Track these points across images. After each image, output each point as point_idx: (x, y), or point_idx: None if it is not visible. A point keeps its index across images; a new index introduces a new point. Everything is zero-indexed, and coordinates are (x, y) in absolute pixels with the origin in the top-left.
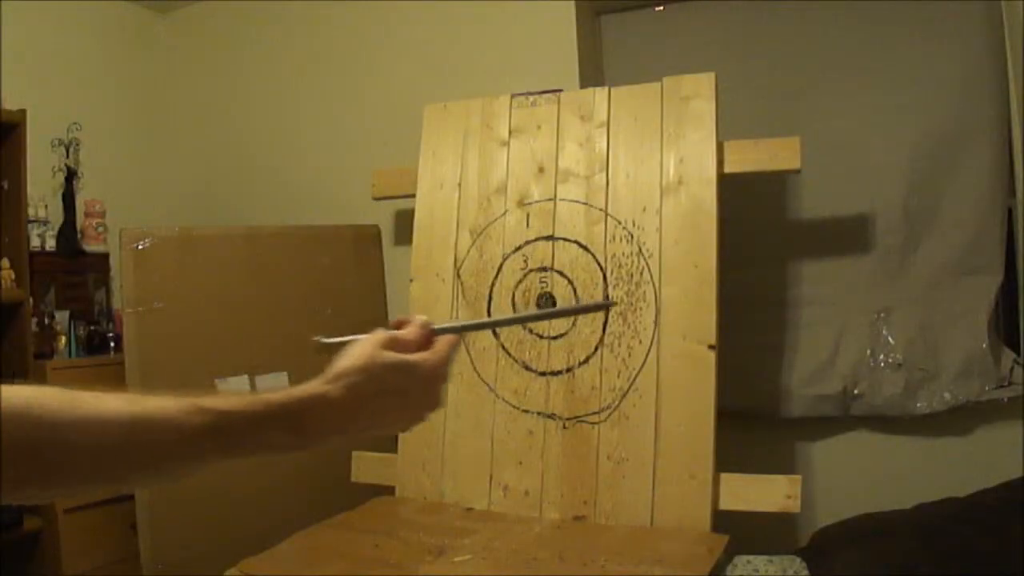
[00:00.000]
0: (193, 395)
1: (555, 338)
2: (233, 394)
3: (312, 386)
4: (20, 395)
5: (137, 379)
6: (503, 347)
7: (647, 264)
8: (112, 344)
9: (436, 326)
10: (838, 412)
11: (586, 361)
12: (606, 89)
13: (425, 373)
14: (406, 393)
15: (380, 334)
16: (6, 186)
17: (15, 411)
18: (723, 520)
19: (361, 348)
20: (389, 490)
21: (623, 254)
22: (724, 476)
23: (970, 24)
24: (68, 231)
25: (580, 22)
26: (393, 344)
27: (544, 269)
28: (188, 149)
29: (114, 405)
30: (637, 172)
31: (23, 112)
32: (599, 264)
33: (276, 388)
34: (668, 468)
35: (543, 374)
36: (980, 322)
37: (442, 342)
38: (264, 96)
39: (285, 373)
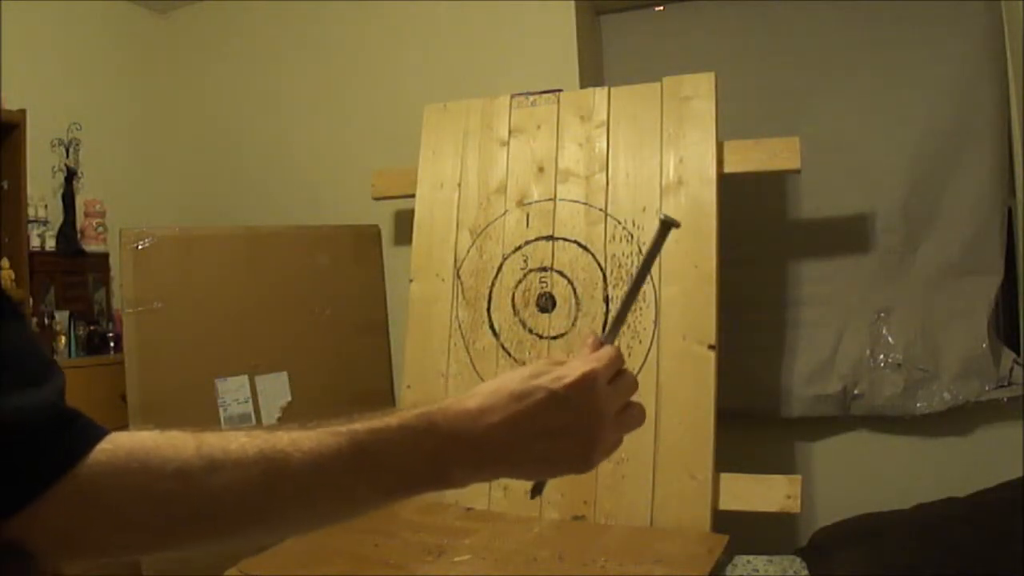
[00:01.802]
0: (321, 424)
1: (555, 338)
2: (360, 416)
3: (439, 402)
4: (147, 437)
5: (137, 379)
6: (503, 347)
7: None
8: (112, 344)
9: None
10: (838, 412)
11: None
12: (606, 89)
13: (573, 384)
14: (557, 409)
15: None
16: (6, 186)
17: (143, 458)
18: (723, 520)
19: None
20: None
21: (623, 254)
22: (724, 476)
23: (970, 24)
24: (68, 231)
25: (580, 22)
26: (551, 366)
27: (544, 269)
28: (188, 149)
29: (240, 439)
30: (637, 172)
31: (23, 112)
32: (599, 264)
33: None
34: (668, 468)
35: None
36: (980, 322)
37: (602, 351)
38: (264, 96)
39: (285, 373)
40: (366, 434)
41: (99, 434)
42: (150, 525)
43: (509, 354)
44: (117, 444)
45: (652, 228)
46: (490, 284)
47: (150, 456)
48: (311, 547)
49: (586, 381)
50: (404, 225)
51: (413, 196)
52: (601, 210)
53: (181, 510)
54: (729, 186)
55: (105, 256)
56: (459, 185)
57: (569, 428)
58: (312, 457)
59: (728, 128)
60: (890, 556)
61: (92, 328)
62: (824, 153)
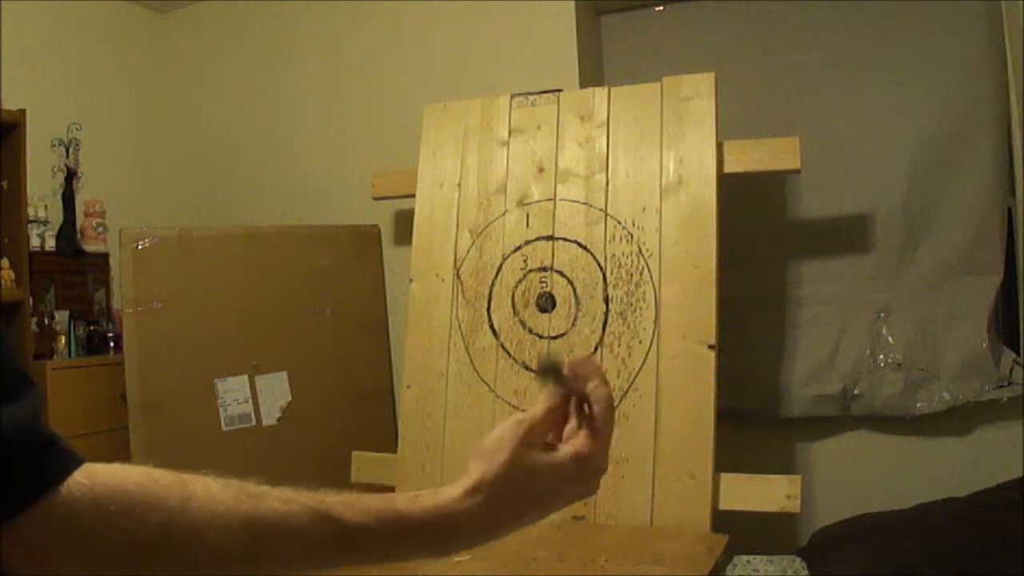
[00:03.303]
0: (313, 497)
1: (555, 338)
2: (359, 502)
3: (450, 499)
4: (129, 479)
5: (137, 379)
6: (503, 347)
7: (647, 264)
8: (112, 344)
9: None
10: (838, 412)
11: None
12: (606, 89)
13: (580, 469)
14: (556, 490)
15: (520, 424)
16: (6, 186)
17: (125, 503)
18: (723, 520)
19: (500, 448)
20: (389, 490)
21: (623, 254)
22: (724, 476)
23: (970, 24)
24: (68, 231)
25: (580, 22)
26: (536, 432)
27: (544, 269)
28: (188, 149)
29: (228, 502)
30: (637, 172)
31: (23, 112)
32: (599, 264)
33: (405, 497)
34: (668, 468)
35: None
36: (980, 322)
37: (601, 431)
38: (264, 96)
39: (285, 373)
40: (359, 532)
41: (76, 462)
42: (126, 564)
43: (509, 354)
44: (96, 481)
45: (651, 230)
46: (490, 284)
47: (133, 500)
48: None
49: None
50: (404, 225)
51: (413, 196)
52: (601, 210)
53: (159, 558)
54: (729, 186)
55: (105, 256)
56: (459, 185)
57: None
58: (299, 543)
59: (728, 128)
60: (890, 556)
61: (92, 328)
62: (824, 153)
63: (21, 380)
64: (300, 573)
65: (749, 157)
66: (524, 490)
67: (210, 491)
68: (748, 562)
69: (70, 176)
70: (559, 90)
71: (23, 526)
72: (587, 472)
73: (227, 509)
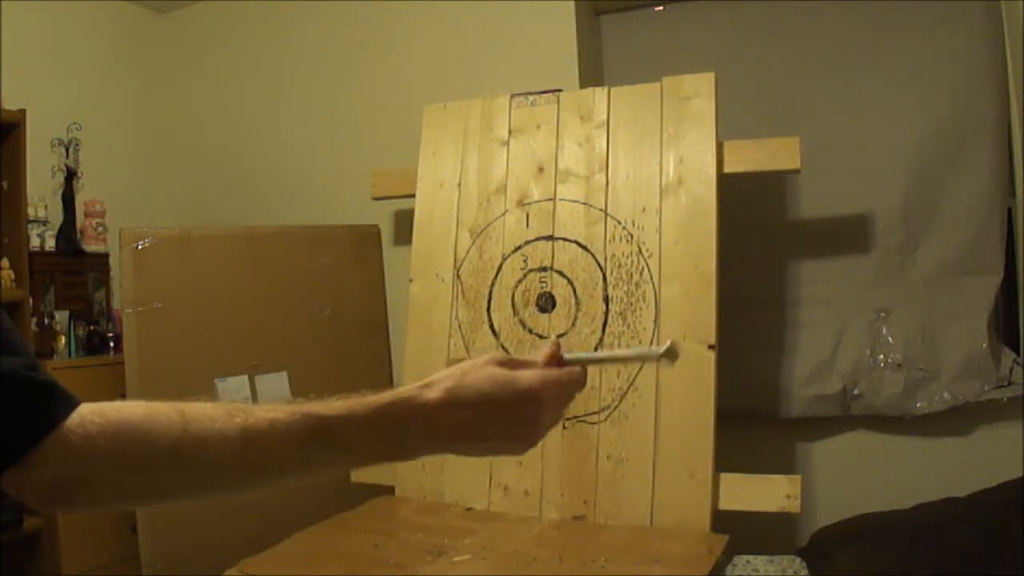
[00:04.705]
0: (294, 406)
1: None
2: (332, 401)
3: (409, 388)
4: (135, 412)
5: (137, 379)
6: (503, 347)
7: (647, 264)
8: (112, 344)
9: (567, 355)
10: (838, 412)
11: None
12: (606, 89)
13: (531, 392)
14: (509, 407)
15: (496, 353)
16: (6, 186)
17: (133, 431)
18: (723, 520)
19: (468, 362)
20: (389, 490)
21: (623, 254)
22: (724, 476)
23: (970, 24)
24: (68, 231)
25: (580, 22)
26: (507, 362)
27: (544, 269)
28: (188, 149)
29: (222, 418)
30: (637, 172)
31: (23, 112)
32: (599, 264)
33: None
34: (668, 468)
35: None
36: (980, 322)
37: (564, 371)
38: (264, 96)
39: (285, 373)
40: (337, 420)
41: (74, 403)
42: (141, 488)
43: (509, 354)
44: (106, 417)
45: (651, 230)
46: (490, 284)
47: (142, 429)
48: (311, 547)
49: (542, 398)
50: (404, 225)
51: (413, 196)
52: (601, 210)
53: (170, 478)
54: (729, 186)
55: (105, 256)
56: (459, 185)
57: (516, 432)
58: (287, 441)
59: (728, 128)
60: (890, 556)
61: (92, 328)
62: (824, 153)
63: (15, 337)
64: (293, 478)
65: (749, 157)
66: (478, 387)
67: (205, 412)
68: (748, 562)
69: (70, 176)
70: (559, 90)
71: (41, 460)
72: (538, 399)
73: (222, 425)
